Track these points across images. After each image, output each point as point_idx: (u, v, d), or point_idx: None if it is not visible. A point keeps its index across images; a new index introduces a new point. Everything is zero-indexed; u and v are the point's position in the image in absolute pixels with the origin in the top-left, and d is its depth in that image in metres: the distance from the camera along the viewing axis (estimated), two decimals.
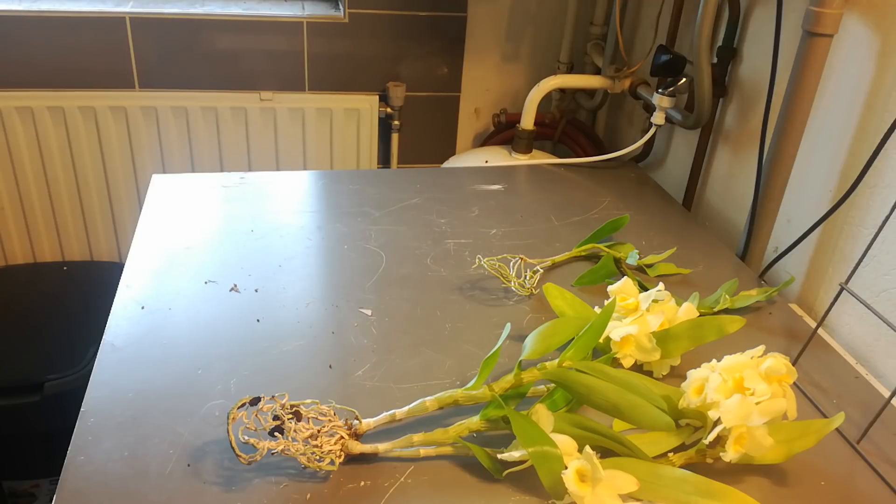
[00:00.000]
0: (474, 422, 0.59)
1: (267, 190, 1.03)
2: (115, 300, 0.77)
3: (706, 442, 0.58)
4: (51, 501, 0.55)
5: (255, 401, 0.56)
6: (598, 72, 1.34)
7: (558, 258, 0.90)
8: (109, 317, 0.74)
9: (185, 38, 1.36)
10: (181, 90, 1.40)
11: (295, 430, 0.55)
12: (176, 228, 0.91)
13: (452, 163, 1.41)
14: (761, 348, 0.62)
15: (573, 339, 0.61)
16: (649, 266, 0.89)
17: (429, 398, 0.61)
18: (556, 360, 0.61)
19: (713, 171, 1.14)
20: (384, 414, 0.60)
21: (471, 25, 1.46)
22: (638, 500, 0.55)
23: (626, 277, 0.76)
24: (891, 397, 0.66)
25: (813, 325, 0.82)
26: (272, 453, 0.55)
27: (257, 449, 0.54)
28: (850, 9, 0.82)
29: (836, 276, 0.87)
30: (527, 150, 1.29)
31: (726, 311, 0.81)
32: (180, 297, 0.78)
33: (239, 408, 0.55)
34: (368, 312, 0.78)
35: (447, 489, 0.57)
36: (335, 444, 0.56)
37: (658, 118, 1.13)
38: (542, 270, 0.86)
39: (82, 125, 1.38)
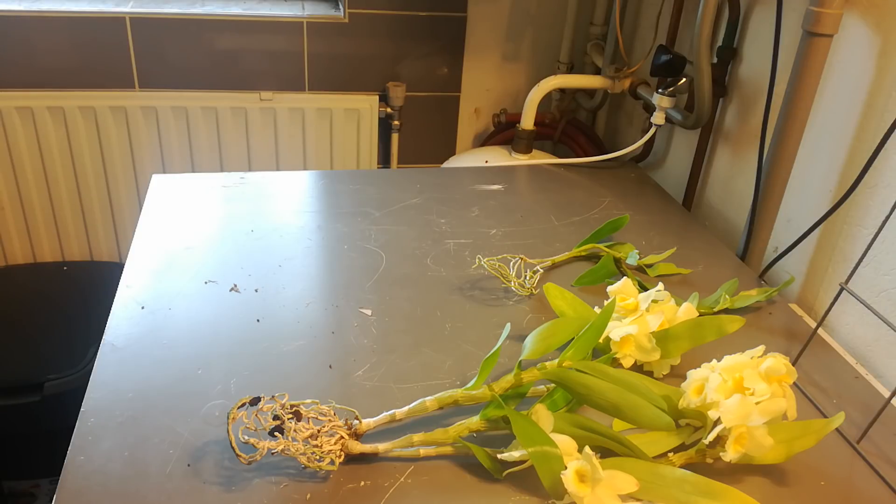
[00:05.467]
0: (474, 422, 0.59)
1: (267, 190, 1.03)
2: (115, 300, 0.77)
3: (706, 442, 0.58)
4: (51, 501, 0.55)
5: (255, 401, 0.56)
6: (598, 72, 1.34)
7: (558, 258, 0.90)
8: (109, 317, 0.74)
9: (185, 38, 1.36)
10: (181, 90, 1.40)
11: (295, 430, 0.55)
12: (176, 228, 0.91)
13: (452, 163, 1.41)
14: (761, 348, 0.62)
15: (573, 339, 0.61)
16: (649, 266, 0.89)
17: (429, 398, 0.61)
18: (556, 360, 0.61)
19: (713, 171, 1.14)
20: (384, 414, 0.60)
21: (471, 25, 1.46)
22: (638, 500, 0.55)
23: (625, 277, 0.76)
24: (891, 397, 0.66)
25: (813, 325, 0.81)
26: (272, 453, 0.55)
27: (257, 449, 0.54)
28: (850, 9, 0.82)
29: (836, 276, 0.87)
30: (527, 150, 1.29)
31: (726, 311, 0.81)
32: (180, 297, 0.78)
33: (239, 408, 0.55)
34: (368, 312, 0.78)
35: (447, 489, 0.57)
36: (335, 444, 0.56)
37: (658, 118, 1.13)
38: (542, 270, 0.86)
39: (82, 125, 1.38)
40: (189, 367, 0.68)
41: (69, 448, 0.58)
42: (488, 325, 0.77)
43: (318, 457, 0.55)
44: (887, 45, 0.79)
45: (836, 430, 0.65)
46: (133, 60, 1.37)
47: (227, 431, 0.54)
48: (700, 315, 0.74)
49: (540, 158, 1.28)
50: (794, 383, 0.63)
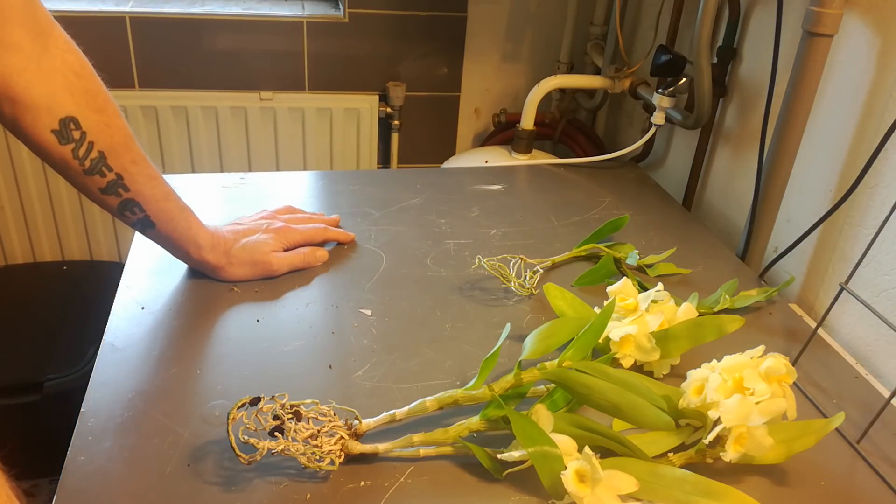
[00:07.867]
0: (474, 422, 0.59)
1: (267, 190, 1.03)
2: (115, 300, 0.77)
3: (706, 442, 0.58)
4: (51, 501, 0.55)
5: (255, 401, 0.56)
6: (598, 72, 1.34)
7: (558, 258, 0.90)
8: (109, 317, 0.74)
9: (185, 38, 1.36)
10: (181, 90, 1.40)
11: (295, 430, 0.55)
12: None
13: (452, 163, 1.41)
14: (761, 348, 0.62)
15: (573, 339, 0.61)
16: (649, 266, 0.89)
17: (429, 398, 0.61)
18: (556, 360, 0.61)
19: (713, 171, 1.14)
20: (384, 414, 0.60)
21: (471, 25, 1.46)
22: (638, 500, 0.55)
23: (625, 278, 0.76)
24: (891, 397, 0.66)
25: (813, 325, 0.82)
26: (272, 453, 0.55)
27: (257, 449, 0.54)
28: (850, 9, 0.82)
29: (836, 276, 0.87)
30: (527, 150, 1.29)
31: (726, 311, 0.81)
32: (180, 297, 0.78)
33: (239, 408, 0.55)
34: (368, 312, 0.78)
35: (447, 489, 0.57)
36: (335, 444, 0.56)
37: (658, 118, 1.13)
38: (542, 270, 0.86)
39: None
40: (189, 367, 0.68)
41: (69, 448, 0.58)
42: (488, 325, 0.77)
43: (318, 457, 0.55)
44: (887, 45, 0.79)
45: (836, 430, 0.65)
46: (133, 60, 1.37)
47: (227, 431, 0.54)
48: (700, 315, 0.74)
49: (540, 158, 1.28)
50: (794, 383, 0.63)
